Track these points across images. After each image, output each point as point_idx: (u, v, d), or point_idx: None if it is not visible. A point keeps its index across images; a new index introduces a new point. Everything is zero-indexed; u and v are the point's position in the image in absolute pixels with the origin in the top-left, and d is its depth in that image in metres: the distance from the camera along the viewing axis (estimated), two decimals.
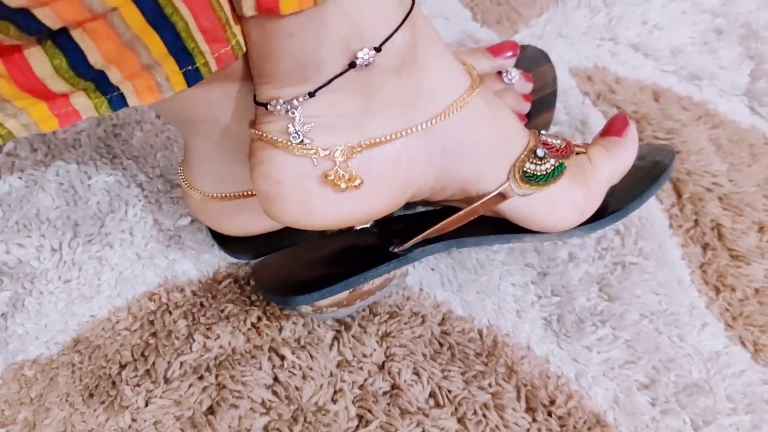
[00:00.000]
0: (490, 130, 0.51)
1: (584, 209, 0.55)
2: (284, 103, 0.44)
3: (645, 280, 0.63)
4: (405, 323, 0.59)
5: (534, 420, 0.55)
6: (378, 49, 0.43)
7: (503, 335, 0.60)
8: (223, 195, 0.55)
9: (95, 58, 0.38)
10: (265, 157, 0.46)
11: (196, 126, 0.51)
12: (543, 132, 0.54)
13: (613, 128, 0.58)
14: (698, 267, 0.65)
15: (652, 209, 0.68)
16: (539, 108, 0.69)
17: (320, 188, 0.46)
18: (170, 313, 0.58)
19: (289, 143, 0.45)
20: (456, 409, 0.56)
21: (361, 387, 0.56)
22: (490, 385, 0.57)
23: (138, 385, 0.54)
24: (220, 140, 0.51)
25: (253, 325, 0.58)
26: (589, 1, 0.85)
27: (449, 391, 0.56)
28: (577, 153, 0.56)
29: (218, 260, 0.62)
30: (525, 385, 0.57)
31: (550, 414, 0.56)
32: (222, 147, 0.52)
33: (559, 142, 0.54)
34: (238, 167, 0.53)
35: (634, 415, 0.56)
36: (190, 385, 0.54)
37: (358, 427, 0.54)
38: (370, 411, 0.55)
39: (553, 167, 0.52)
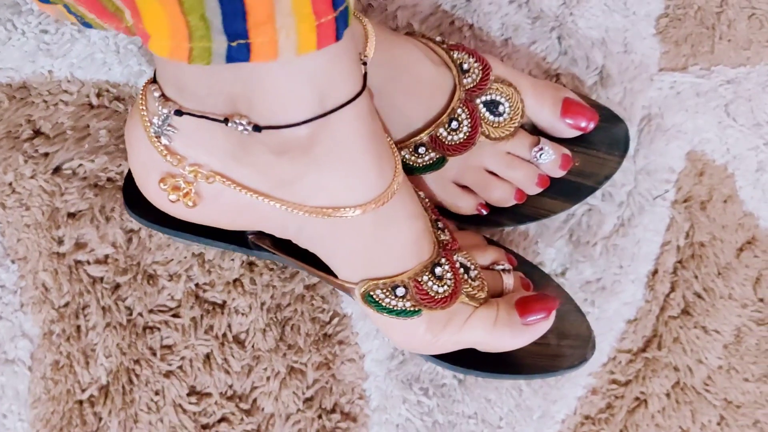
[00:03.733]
0: (364, 246, 0.46)
1: (415, 349, 0.51)
2: (160, 96, 0.40)
3: (510, 396, 0.60)
4: (272, 269, 0.60)
5: (301, 411, 0.59)
6: (257, 129, 0.39)
7: (353, 332, 0.61)
8: None
9: None
10: (135, 116, 0.44)
11: None
12: (440, 263, 0.48)
13: (528, 304, 0.50)
14: (584, 417, 0.61)
15: (604, 335, 0.62)
16: (564, 193, 0.58)
17: (156, 182, 0.45)
18: (104, 119, 0.60)
19: (149, 128, 0.42)
20: (252, 358, 0.60)
21: (197, 285, 0.60)
22: (295, 362, 0.60)
23: (32, 158, 0.59)
24: None
25: None
26: None
27: (255, 344, 0.60)
28: (465, 302, 0.50)
29: None
30: (326, 382, 0.60)
31: (320, 417, 0.60)
32: None
33: (444, 289, 0.47)
34: None
35: None
36: (72, 188, 0.59)
37: (166, 311, 0.60)
38: (183, 308, 0.59)
39: (402, 309, 0.47)
